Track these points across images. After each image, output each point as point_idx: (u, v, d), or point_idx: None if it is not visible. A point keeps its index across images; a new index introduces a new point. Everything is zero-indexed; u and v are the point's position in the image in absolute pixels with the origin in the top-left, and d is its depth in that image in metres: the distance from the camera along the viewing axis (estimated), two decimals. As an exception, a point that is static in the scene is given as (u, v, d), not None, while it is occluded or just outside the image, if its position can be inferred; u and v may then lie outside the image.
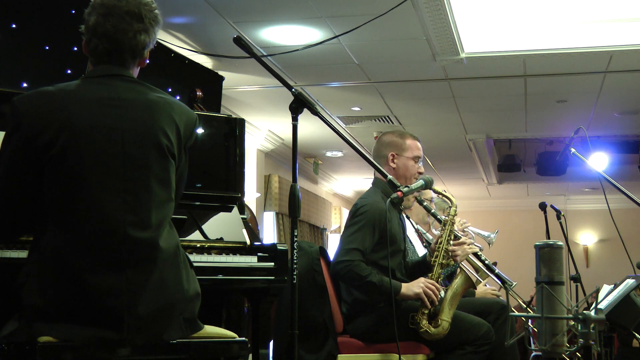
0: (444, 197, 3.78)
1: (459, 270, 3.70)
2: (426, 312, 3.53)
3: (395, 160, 3.79)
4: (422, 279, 3.58)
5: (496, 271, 3.97)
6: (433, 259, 3.66)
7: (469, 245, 3.79)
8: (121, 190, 2.23)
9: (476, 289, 3.78)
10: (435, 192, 3.74)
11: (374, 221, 3.56)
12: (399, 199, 3.77)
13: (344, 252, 3.56)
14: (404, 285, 3.55)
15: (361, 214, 3.61)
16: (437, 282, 3.60)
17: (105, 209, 2.20)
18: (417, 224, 4.59)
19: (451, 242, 3.67)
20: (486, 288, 4.46)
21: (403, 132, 3.89)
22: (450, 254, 3.65)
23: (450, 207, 3.72)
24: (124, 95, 2.30)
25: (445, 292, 3.60)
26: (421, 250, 4.35)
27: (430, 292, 3.51)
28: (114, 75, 2.32)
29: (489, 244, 4.56)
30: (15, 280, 2.26)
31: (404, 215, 4.02)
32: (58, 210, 2.21)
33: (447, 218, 3.70)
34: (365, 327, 3.62)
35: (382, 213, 3.56)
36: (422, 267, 3.77)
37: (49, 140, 2.19)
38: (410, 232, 4.32)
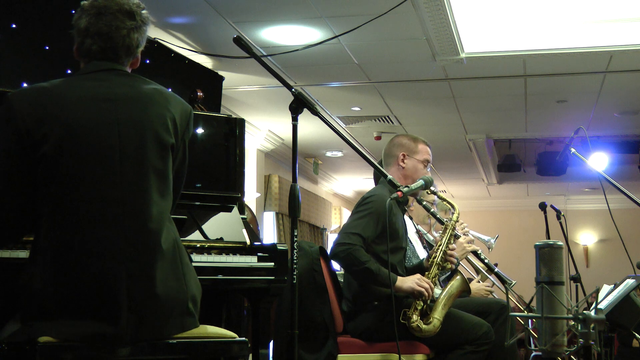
0: (447, 204, 3.82)
1: (457, 274, 3.71)
2: (419, 307, 3.53)
3: (405, 161, 3.84)
4: (417, 275, 3.59)
5: (495, 270, 3.99)
6: (431, 260, 3.68)
7: (467, 243, 3.82)
8: (119, 184, 2.22)
9: (470, 294, 3.79)
10: (440, 198, 3.78)
11: (379, 212, 3.58)
12: (404, 200, 3.82)
13: (345, 235, 3.56)
14: (399, 277, 3.56)
15: (367, 203, 3.65)
16: (433, 281, 3.61)
17: (103, 203, 2.20)
18: (417, 224, 4.60)
19: (450, 245, 3.70)
20: (480, 285, 4.45)
21: (416, 137, 3.96)
22: (448, 257, 3.68)
23: (453, 212, 3.76)
24: (118, 89, 2.30)
25: (441, 292, 3.61)
26: (421, 252, 4.35)
27: (424, 288, 3.51)
28: (107, 70, 2.33)
29: (489, 249, 4.57)
30: (16, 280, 2.26)
31: (408, 217, 4.03)
32: (55, 206, 2.20)
33: (448, 222, 3.73)
34: (365, 325, 3.62)
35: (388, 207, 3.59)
36: (419, 271, 3.77)
37: (43, 136, 2.18)
38: (411, 233, 4.33)
